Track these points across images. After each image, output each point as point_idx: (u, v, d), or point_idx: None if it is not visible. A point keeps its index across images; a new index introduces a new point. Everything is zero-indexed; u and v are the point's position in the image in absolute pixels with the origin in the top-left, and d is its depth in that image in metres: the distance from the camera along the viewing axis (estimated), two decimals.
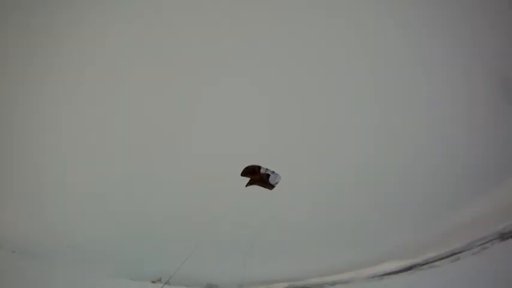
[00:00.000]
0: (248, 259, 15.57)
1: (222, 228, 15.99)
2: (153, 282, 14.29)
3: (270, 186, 5.11)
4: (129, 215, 14.60)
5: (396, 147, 16.42)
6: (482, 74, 13.94)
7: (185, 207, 15.05)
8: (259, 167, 5.43)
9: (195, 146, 14.99)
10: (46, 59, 13.50)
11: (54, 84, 13.55)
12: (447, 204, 15.04)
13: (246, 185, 5.43)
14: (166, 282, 14.54)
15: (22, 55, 13.17)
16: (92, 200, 14.37)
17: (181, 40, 13.77)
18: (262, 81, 14.78)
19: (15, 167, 14.16)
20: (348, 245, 15.13)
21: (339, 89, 15.18)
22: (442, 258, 13.37)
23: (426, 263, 13.49)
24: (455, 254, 13.29)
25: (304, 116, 15.64)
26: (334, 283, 14.09)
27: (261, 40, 14.12)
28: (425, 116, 15.24)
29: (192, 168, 14.85)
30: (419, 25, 13.98)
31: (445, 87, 14.61)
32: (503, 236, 12.62)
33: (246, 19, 13.92)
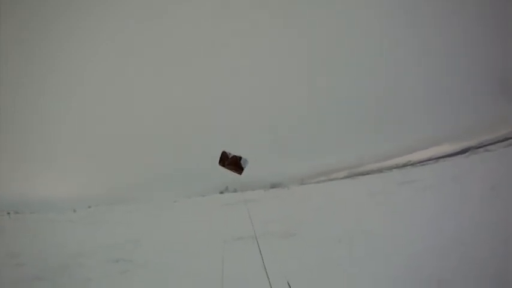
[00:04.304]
0: (307, 153, 15.12)
1: (279, 128, 14.66)
2: (221, 192, 13.73)
3: (240, 170, 5.66)
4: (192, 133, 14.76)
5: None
6: None
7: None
8: (229, 153, 5.94)
9: None
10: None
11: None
12: (501, 89, 14.71)
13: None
14: (233, 190, 14.11)
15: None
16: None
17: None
18: None
19: None
20: (403, 129, 15.18)
21: None
22: (497, 142, 14.16)
23: (481, 146, 14.32)
24: (510, 138, 14.03)
25: None
26: (391, 168, 14.88)
27: None
28: None
29: None
30: None
31: None
32: None
33: None
